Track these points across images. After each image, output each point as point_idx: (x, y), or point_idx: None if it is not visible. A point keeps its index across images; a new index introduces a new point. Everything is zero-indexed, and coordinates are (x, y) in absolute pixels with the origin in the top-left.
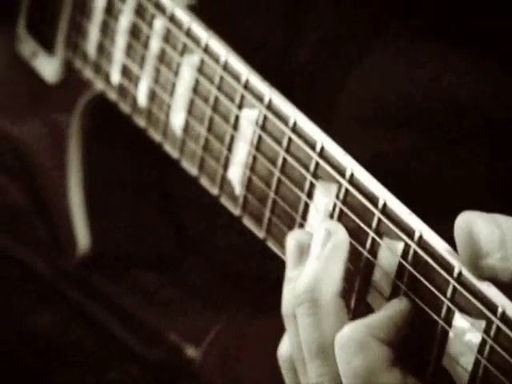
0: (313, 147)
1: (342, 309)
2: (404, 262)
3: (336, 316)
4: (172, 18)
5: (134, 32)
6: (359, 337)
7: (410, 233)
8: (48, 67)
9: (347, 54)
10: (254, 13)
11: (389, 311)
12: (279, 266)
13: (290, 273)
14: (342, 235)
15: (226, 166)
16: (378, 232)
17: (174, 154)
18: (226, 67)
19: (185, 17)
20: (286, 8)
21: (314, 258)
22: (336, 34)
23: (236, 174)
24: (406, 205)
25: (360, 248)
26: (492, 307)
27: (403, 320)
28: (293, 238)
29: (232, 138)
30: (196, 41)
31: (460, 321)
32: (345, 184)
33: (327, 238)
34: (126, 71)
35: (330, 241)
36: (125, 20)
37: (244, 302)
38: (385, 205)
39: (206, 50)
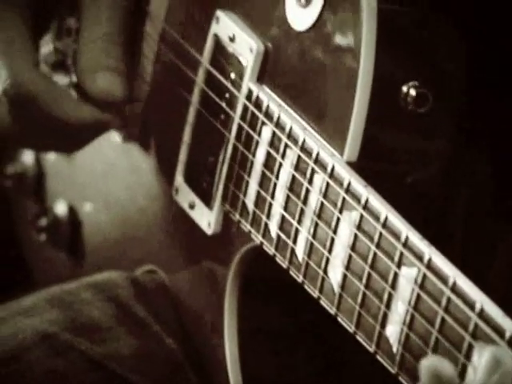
0: (472, 307)
1: None
2: None
3: None
4: (332, 174)
5: (293, 186)
6: None
7: None
8: (206, 218)
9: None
10: (413, 167)
11: None
12: None
13: None
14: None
15: (383, 324)
16: None
17: (331, 309)
18: (385, 224)
19: (344, 173)
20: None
21: None
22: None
23: (393, 332)
24: None
25: None
26: None
27: None
28: (431, 366)
29: (390, 296)
30: (356, 197)
31: None
32: (504, 346)
33: (495, 367)
34: (284, 225)
35: (498, 369)
36: (284, 174)
37: None
38: None
39: (366, 206)
